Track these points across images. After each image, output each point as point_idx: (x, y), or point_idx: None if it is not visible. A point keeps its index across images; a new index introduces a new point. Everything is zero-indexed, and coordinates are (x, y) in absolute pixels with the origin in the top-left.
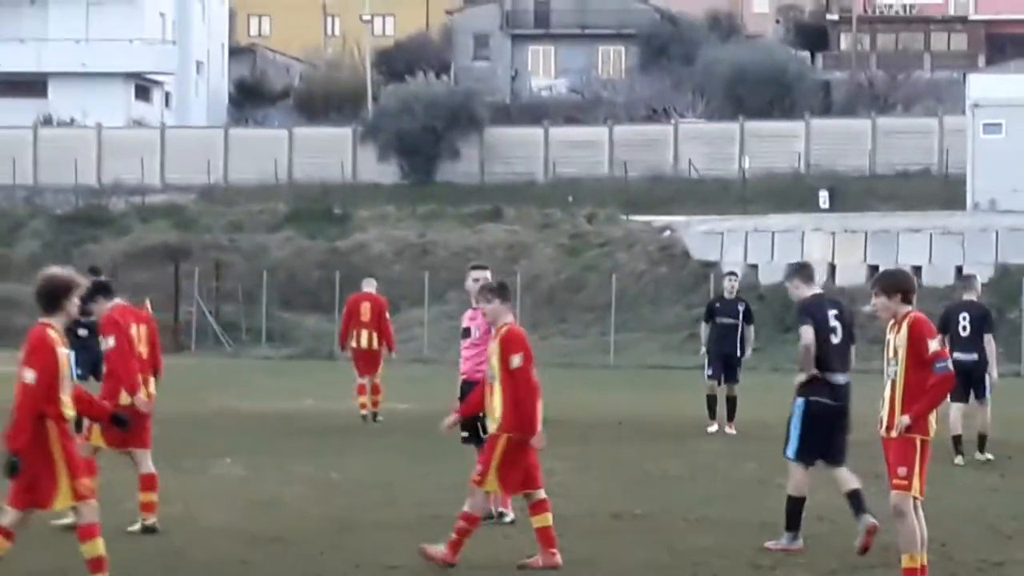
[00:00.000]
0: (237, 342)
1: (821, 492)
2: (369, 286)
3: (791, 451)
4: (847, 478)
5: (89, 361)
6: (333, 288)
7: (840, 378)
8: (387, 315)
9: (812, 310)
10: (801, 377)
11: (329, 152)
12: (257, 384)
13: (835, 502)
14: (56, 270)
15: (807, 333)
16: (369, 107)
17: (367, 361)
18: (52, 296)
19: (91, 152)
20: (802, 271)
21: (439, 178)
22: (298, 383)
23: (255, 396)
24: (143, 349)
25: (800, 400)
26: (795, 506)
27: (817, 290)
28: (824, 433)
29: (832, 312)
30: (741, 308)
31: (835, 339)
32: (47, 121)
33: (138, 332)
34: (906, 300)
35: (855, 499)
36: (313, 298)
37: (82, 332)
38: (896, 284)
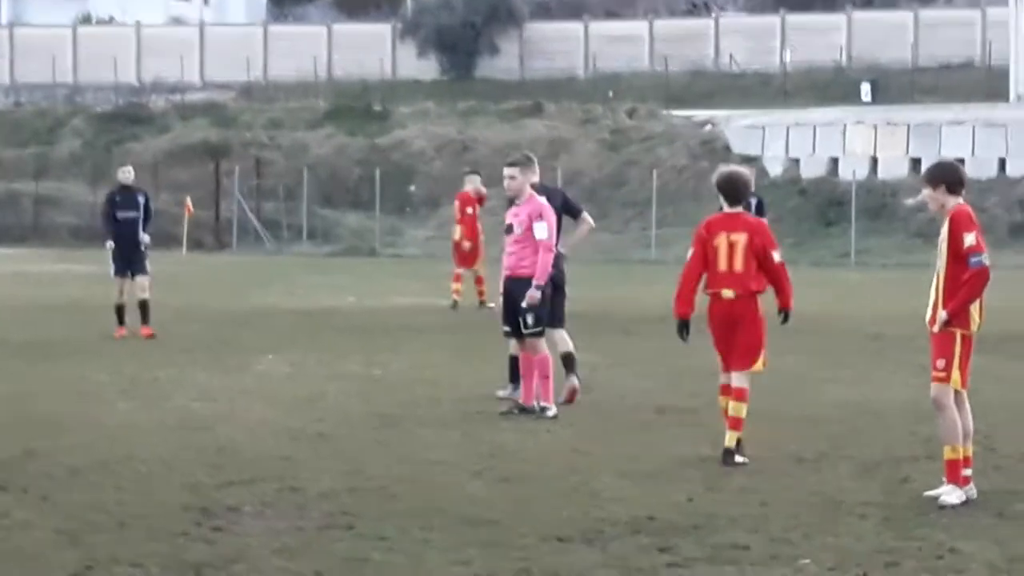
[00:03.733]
0: (278, 239)
1: (865, 386)
2: (468, 183)
3: None
4: (563, 341)
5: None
6: (374, 185)
7: None
8: (468, 209)
9: None
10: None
11: (368, 49)
12: (299, 281)
13: (880, 395)
14: (738, 168)
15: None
16: (408, 3)
17: (460, 255)
18: (738, 190)
19: (130, 50)
20: (521, 161)
21: (479, 74)
22: (340, 280)
23: (297, 293)
24: None
25: None
26: (513, 362)
27: (534, 180)
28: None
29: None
30: (754, 202)
31: None
32: (86, 19)
33: None
34: (951, 192)
35: (567, 360)
36: (354, 195)
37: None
38: (940, 176)
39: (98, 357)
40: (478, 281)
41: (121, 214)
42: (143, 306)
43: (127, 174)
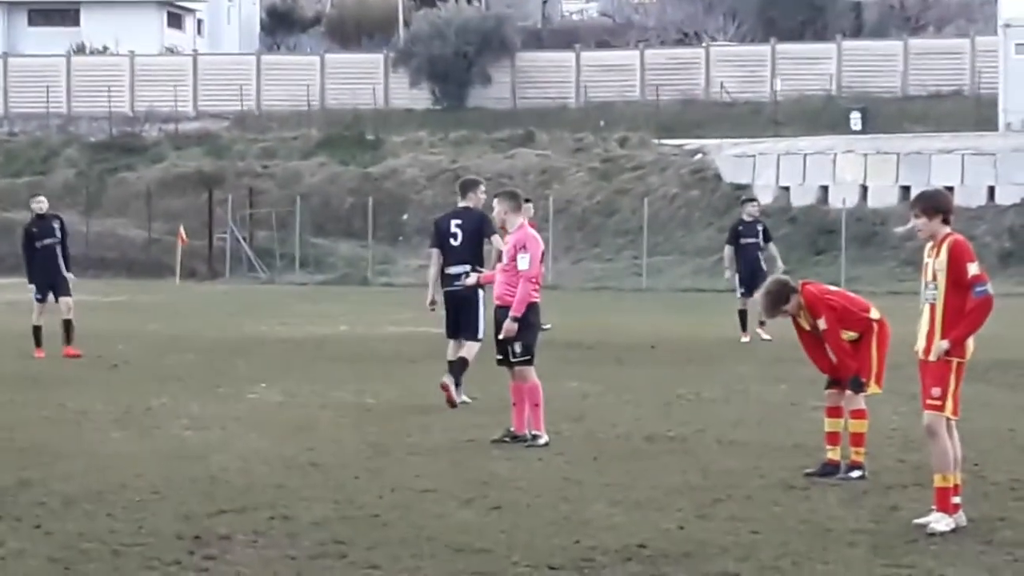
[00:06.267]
0: (271, 268)
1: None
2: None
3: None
4: (456, 350)
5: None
6: (366, 214)
7: (456, 269)
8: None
9: (437, 223)
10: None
11: (361, 78)
12: (292, 310)
13: (868, 423)
14: None
15: (432, 248)
16: (400, 33)
17: None
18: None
19: (124, 80)
20: (460, 187)
21: (471, 103)
22: (332, 309)
23: (290, 322)
24: None
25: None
26: (451, 364)
27: (462, 204)
28: (453, 312)
29: (455, 222)
30: (760, 228)
31: (454, 242)
32: (80, 50)
33: None
34: (946, 221)
35: (452, 366)
36: (346, 224)
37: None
38: (937, 205)
39: (92, 386)
40: None
41: (40, 243)
42: (67, 325)
43: (40, 204)
